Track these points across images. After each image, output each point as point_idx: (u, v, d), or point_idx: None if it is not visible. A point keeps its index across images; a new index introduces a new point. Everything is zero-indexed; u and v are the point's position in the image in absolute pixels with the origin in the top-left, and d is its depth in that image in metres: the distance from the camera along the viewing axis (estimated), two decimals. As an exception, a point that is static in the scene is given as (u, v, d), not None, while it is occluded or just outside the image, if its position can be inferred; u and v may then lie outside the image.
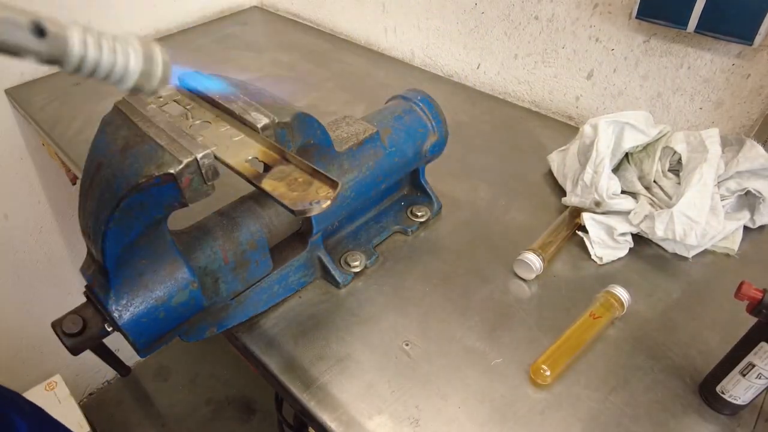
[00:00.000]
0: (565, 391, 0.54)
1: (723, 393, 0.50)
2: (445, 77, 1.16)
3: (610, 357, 0.57)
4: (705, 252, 0.69)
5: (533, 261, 0.64)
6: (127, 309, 0.45)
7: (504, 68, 1.06)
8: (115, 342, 0.55)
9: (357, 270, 0.65)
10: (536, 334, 0.59)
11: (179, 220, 0.56)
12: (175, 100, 0.49)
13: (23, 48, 0.21)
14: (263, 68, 1.18)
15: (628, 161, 0.76)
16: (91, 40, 0.24)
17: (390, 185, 0.69)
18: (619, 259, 0.68)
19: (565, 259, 0.68)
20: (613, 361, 0.56)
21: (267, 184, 0.38)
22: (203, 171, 0.40)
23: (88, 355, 0.51)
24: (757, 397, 0.49)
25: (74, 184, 1.25)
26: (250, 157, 0.41)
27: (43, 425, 0.66)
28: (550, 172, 0.83)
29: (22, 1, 0.23)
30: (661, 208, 0.68)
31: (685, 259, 0.68)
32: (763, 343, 0.45)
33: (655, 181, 0.73)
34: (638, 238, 0.70)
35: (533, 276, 0.65)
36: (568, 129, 0.96)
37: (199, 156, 0.40)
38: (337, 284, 0.64)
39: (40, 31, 0.21)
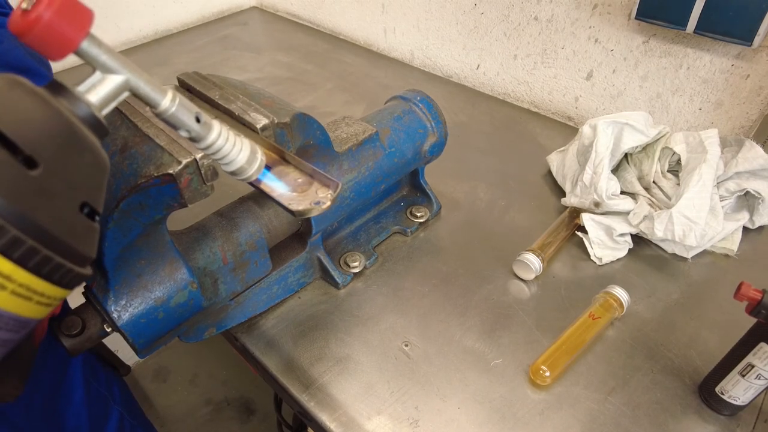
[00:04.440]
0: (565, 392, 0.53)
1: (722, 393, 0.50)
2: (445, 78, 1.16)
3: (609, 358, 0.57)
4: (704, 253, 0.69)
5: (533, 261, 0.64)
6: (126, 309, 0.45)
7: (503, 69, 1.06)
8: (115, 342, 0.55)
9: (356, 270, 0.65)
10: (536, 334, 0.59)
11: (178, 220, 0.56)
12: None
13: (187, 126, 0.31)
14: (263, 68, 1.18)
15: (628, 162, 0.76)
16: (224, 132, 0.33)
17: (389, 186, 0.69)
18: (618, 259, 0.68)
19: (564, 260, 0.68)
20: (612, 362, 0.56)
21: (266, 185, 0.38)
22: (202, 171, 0.40)
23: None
24: (756, 397, 0.49)
25: (73, 184, 1.25)
26: (249, 158, 0.41)
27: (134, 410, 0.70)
28: (550, 173, 0.83)
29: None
30: (661, 208, 0.68)
31: (684, 259, 0.68)
32: (762, 344, 0.45)
33: (654, 182, 0.73)
34: (637, 239, 0.70)
35: (533, 276, 0.65)
36: (567, 129, 0.96)
37: (198, 156, 0.40)
38: (336, 285, 0.64)
39: (198, 119, 0.31)
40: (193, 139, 0.32)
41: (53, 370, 0.56)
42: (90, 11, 0.26)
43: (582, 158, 0.75)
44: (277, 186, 0.38)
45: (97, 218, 0.27)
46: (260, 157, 0.36)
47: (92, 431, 0.60)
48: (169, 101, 0.30)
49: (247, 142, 0.35)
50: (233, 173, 0.35)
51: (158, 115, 0.31)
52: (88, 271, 0.26)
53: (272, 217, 0.57)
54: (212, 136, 0.33)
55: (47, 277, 0.24)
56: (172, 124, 0.31)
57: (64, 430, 0.57)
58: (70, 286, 0.25)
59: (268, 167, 0.40)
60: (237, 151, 0.34)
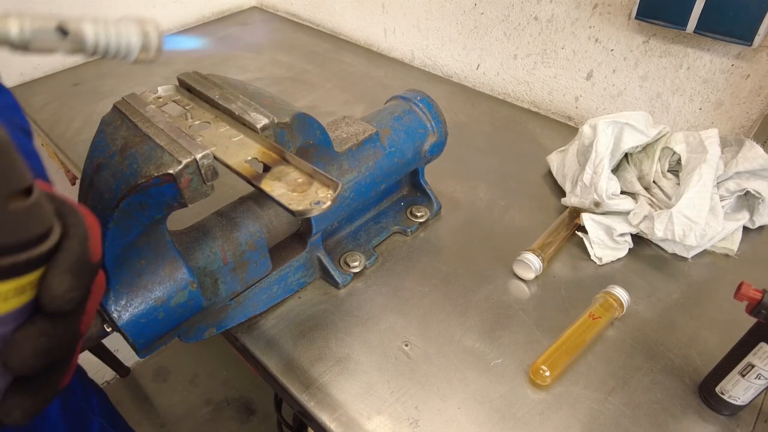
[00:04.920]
0: (565, 392, 0.53)
1: (722, 393, 0.50)
2: (445, 78, 1.16)
3: (609, 358, 0.57)
4: (704, 252, 0.69)
5: (533, 261, 0.64)
6: (126, 309, 0.45)
7: (503, 69, 1.06)
8: (115, 342, 0.55)
9: (356, 270, 0.65)
10: (536, 334, 0.59)
11: (178, 220, 0.56)
12: (174, 101, 0.49)
13: (55, 48, 0.27)
14: (263, 68, 1.18)
15: (628, 162, 0.76)
16: (102, 29, 0.30)
17: (389, 186, 0.69)
18: (618, 259, 0.68)
19: (564, 260, 0.68)
20: (612, 362, 0.56)
21: (266, 185, 0.38)
22: (202, 171, 0.40)
23: (87, 356, 0.51)
24: (756, 397, 0.49)
25: (74, 184, 1.25)
26: (249, 158, 0.41)
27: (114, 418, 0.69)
28: (550, 173, 0.83)
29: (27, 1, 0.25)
30: (661, 208, 0.68)
31: (684, 259, 0.68)
32: (762, 344, 0.45)
33: (654, 182, 0.73)
34: (638, 239, 0.70)
35: (533, 276, 0.65)
36: (567, 129, 0.96)
37: (198, 156, 0.39)
38: (336, 285, 0.64)
39: (64, 32, 0.27)
40: (75, 52, 0.29)
41: None
42: None
43: (582, 158, 0.75)
44: (277, 186, 0.38)
45: (32, 191, 0.23)
46: (154, 32, 0.32)
47: None
48: (17, 30, 0.25)
49: (133, 24, 0.32)
50: (137, 61, 0.32)
51: (16, 49, 0.26)
52: (51, 242, 0.24)
53: (272, 217, 0.57)
54: (91, 41, 0.29)
55: (11, 275, 0.22)
56: (40, 52, 0.27)
57: None
58: (38, 265, 0.24)
59: (267, 166, 0.40)
60: (126, 40, 0.31)
